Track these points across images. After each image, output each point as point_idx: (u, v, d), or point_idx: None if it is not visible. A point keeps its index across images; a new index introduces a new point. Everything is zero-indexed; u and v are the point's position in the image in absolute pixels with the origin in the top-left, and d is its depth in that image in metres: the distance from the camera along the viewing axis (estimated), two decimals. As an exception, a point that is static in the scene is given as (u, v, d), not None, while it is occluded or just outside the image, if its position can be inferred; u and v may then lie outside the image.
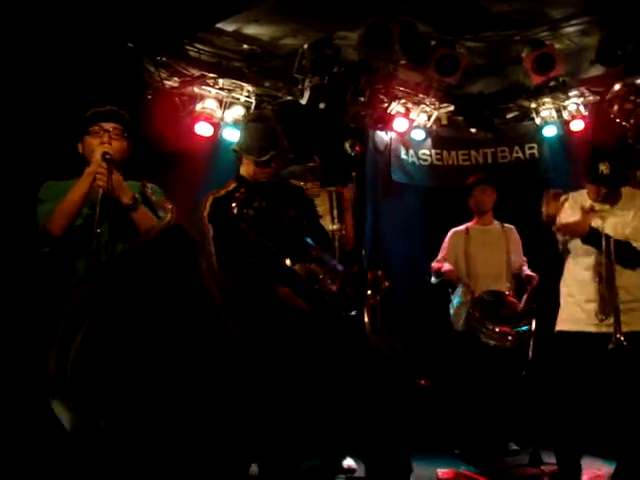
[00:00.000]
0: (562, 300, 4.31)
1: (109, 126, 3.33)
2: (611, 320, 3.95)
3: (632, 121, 6.43)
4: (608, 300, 4.00)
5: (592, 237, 4.04)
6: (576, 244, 4.19)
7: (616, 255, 3.99)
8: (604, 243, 3.99)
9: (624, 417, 4.08)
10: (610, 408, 4.30)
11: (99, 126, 3.33)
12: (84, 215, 3.24)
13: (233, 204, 3.65)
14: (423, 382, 4.38)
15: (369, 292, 3.68)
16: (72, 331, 2.43)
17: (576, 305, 4.17)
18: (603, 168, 4.06)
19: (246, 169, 3.90)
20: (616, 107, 6.55)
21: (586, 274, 4.14)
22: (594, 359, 4.01)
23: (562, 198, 4.20)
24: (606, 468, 4.68)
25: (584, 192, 4.28)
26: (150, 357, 2.46)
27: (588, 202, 4.18)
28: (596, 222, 4.06)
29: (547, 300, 5.09)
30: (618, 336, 3.88)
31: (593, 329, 4.04)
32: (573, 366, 4.08)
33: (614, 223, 4.10)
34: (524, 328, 5.30)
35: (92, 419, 2.41)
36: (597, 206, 4.12)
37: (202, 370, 2.55)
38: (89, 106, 3.45)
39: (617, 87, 6.52)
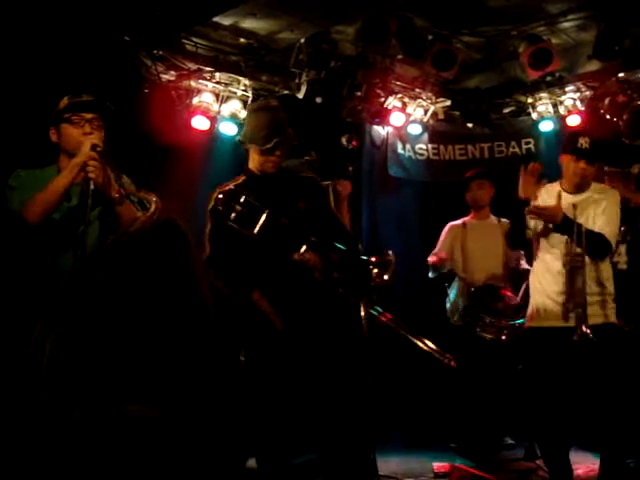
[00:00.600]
0: (533, 293, 4.28)
1: (89, 115, 3.28)
2: (578, 311, 3.95)
3: (625, 116, 6.43)
4: (575, 290, 3.98)
5: (565, 225, 4.00)
6: (548, 233, 4.17)
7: (587, 245, 3.97)
8: (576, 232, 3.97)
9: (602, 411, 4.08)
10: (591, 402, 4.30)
11: (79, 116, 3.27)
12: (64, 209, 3.20)
13: (219, 201, 3.62)
14: (452, 363, 4.35)
15: (375, 271, 3.68)
16: (48, 326, 2.44)
17: (548, 298, 4.14)
18: (583, 142, 4.08)
19: (252, 160, 3.88)
20: (607, 101, 6.56)
21: (557, 264, 4.10)
22: (568, 354, 3.99)
23: (543, 182, 4.20)
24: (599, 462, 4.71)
25: (556, 184, 4.27)
26: (128, 349, 2.46)
27: (558, 189, 4.19)
28: (569, 211, 4.03)
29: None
30: (583, 329, 3.86)
31: (565, 323, 4.02)
32: (549, 362, 4.07)
33: (586, 213, 4.09)
34: (520, 322, 5.30)
35: (67, 411, 2.42)
36: (568, 196, 4.14)
37: (183, 363, 2.56)
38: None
39: (609, 82, 6.54)
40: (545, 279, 4.19)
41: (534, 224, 4.23)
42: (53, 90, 3.72)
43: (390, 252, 3.89)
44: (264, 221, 3.54)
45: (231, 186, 3.84)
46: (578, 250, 3.98)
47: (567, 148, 4.20)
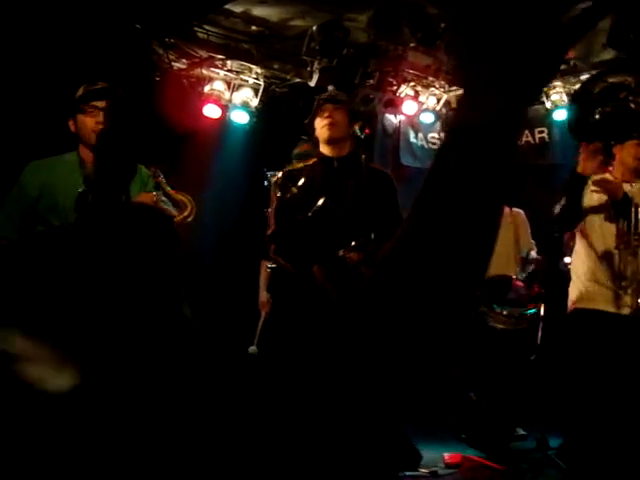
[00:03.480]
0: (578, 276, 4.19)
1: (103, 104, 3.24)
2: (630, 295, 3.89)
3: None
4: (630, 270, 3.93)
5: (624, 202, 3.95)
6: (595, 217, 4.10)
7: None
8: (634, 210, 3.93)
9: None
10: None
11: (92, 105, 3.23)
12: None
13: (278, 180, 3.70)
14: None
15: None
16: None
17: (596, 282, 4.06)
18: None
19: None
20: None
21: (606, 246, 4.04)
22: (614, 340, 3.90)
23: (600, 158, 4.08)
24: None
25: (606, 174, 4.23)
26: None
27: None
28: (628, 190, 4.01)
29: (555, 284, 5.07)
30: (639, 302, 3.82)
31: (614, 309, 3.95)
32: (594, 345, 3.97)
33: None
34: (531, 311, 5.28)
35: None
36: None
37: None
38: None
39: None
40: (592, 262, 4.11)
41: (589, 201, 4.12)
42: (69, 80, 3.72)
43: None
44: (319, 207, 3.58)
45: (300, 165, 3.87)
46: (634, 230, 3.93)
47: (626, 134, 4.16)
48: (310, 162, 3.87)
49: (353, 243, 3.54)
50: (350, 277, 3.51)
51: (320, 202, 3.60)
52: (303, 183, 3.65)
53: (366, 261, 3.51)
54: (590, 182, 4.03)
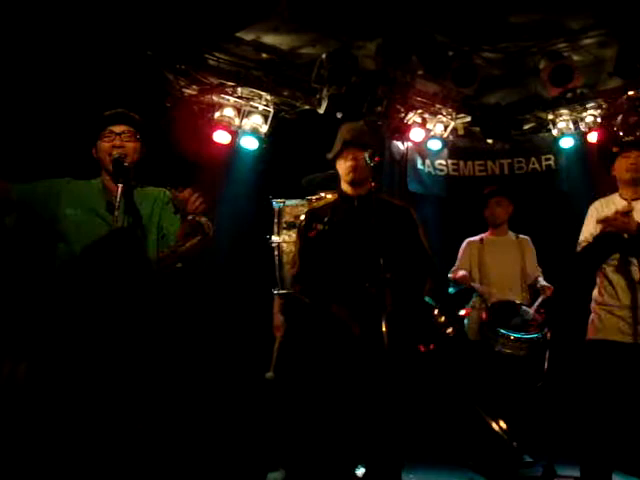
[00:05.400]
0: (595, 305, 4.18)
1: (119, 129, 3.31)
2: None
3: (639, 133, 6.38)
4: None
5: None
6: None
7: None
8: None
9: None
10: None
11: (110, 130, 3.32)
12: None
13: (303, 220, 3.72)
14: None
15: (442, 319, 3.65)
16: None
17: (609, 312, 4.04)
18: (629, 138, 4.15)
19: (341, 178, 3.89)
20: (620, 119, 6.54)
21: (617, 277, 4.02)
22: (627, 371, 3.90)
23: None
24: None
25: (615, 196, 4.21)
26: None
27: (622, 202, 4.08)
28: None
29: (562, 311, 5.08)
30: None
31: (626, 338, 3.94)
32: (606, 376, 3.95)
33: None
34: (535, 336, 5.28)
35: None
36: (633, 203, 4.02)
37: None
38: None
39: (621, 100, 6.52)
40: (606, 292, 4.10)
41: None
42: (89, 108, 3.80)
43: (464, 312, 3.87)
44: (340, 247, 3.60)
45: (321, 203, 3.90)
46: None
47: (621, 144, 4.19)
48: (331, 200, 3.87)
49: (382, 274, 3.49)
50: (372, 310, 3.46)
51: (341, 242, 3.62)
52: (326, 221, 3.66)
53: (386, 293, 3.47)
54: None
